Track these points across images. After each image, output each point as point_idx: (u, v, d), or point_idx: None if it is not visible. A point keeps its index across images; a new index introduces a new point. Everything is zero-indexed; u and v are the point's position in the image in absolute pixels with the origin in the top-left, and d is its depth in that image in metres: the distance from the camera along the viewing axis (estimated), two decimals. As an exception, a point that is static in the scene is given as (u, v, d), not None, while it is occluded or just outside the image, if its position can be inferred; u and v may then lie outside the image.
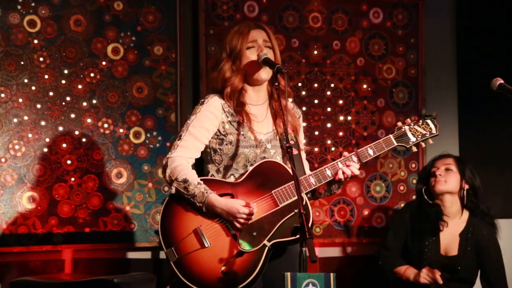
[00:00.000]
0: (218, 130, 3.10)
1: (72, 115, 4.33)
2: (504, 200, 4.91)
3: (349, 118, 4.79)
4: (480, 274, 4.25)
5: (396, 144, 3.13)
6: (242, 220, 2.95)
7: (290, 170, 2.99)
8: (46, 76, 4.29)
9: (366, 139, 4.78)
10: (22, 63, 4.25)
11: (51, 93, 4.30)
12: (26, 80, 4.25)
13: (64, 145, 4.30)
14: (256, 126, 3.12)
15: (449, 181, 4.20)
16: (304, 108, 4.69)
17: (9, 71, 4.23)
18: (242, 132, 3.08)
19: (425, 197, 4.22)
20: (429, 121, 3.17)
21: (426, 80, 4.92)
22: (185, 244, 2.98)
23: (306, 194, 3.08)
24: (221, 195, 3.01)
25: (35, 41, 4.27)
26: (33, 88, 4.27)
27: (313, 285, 2.60)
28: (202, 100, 3.15)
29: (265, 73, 3.11)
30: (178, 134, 3.13)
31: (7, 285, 4.01)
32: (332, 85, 4.77)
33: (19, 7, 4.25)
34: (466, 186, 4.22)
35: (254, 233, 2.97)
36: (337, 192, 3.20)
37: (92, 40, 4.37)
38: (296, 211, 2.94)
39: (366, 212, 4.81)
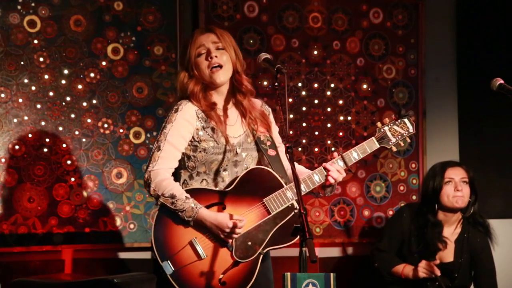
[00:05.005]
0: (193, 137, 3.06)
1: (72, 115, 4.33)
2: (504, 200, 4.90)
3: (349, 118, 4.79)
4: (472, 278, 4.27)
5: (378, 146, 3.18)
6: (231, 236, 2.94)
7: (278, 177, 3.03)
8: (46, 76, 4.29)
9: (366, 139, 4.77)
10: (22, 63, 4.25)
11: (51, 93, 4.30)
12: (26, 80, 4.25)
13: (64, 145, 4.30)
14: (228, 130, 3.08)
15: (466, 196, 4.16)
16: (304, 108, 4.70)
17: (9, 71, 4.23)
18: (215, 138, 3.05)
19: (429, 216, 4.17)
20: (406, 120, 3.21)
21: (426, 80, 4.92)
22: (181, 256, 2.95)
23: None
24: (210, 205, 2.99)
25: (35, 41, 4.27)
26: (33, 88, 4.27)
27: (313, 285, 2.60)
28: (176, 107, 3.09)
29: (221, 76, 3.06)
30: (156, 144, 3.06)
31: (7, 285, 4.01)
32: (332, 85, 4.77)
33: (19, 7, 4.25)
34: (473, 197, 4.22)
35: (249, 243, 2.97)
36: (331, 194, 3.19)
37: (92, 40, 4.37)
38: (296, 210, 2.96)
39: (366, 212, 4.81)
